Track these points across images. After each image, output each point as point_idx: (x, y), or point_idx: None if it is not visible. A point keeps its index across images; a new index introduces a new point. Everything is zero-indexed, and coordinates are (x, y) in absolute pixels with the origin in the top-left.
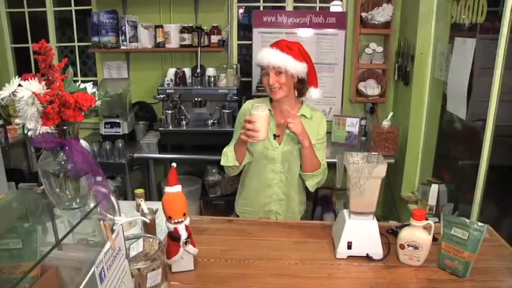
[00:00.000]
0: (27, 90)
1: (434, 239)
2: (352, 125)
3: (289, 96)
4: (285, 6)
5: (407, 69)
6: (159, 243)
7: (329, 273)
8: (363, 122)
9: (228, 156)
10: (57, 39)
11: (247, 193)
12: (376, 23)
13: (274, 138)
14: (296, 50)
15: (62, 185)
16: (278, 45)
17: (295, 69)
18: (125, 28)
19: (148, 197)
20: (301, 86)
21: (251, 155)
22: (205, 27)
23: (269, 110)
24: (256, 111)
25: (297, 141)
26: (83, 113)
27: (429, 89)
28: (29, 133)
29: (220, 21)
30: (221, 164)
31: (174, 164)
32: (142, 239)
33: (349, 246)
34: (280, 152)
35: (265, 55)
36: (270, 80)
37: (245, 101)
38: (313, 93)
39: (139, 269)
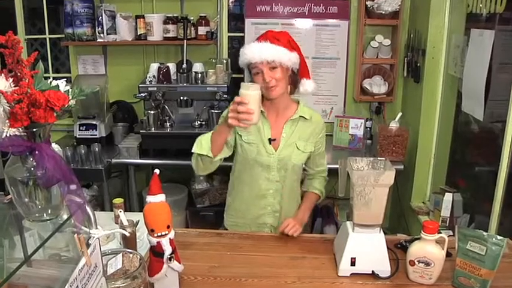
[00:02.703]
0: None
1: (448, 255)
2: (356, 127)
3: (284, 94)
4: None
5: (418, 64)
6: (140, 259)
7: None
8: (368, 124)
9: (203, 144)
10: (26, 31)
11: (238, 204)
12: (383, 12)
13: (270, 143)
14: (285, 41)
15: (32, 194)
16: (266, 37)
17: (289, 61)
18: (101, 18)
19: (128, 208)
20: (296, 79)
21: (229, 149)
22: (191, 18)
23: (261, 111)
24: (247, 91)
25: (295, 146)
26: (55, 114)
27: (442, 87)
28: None
29: (208, 11)
30: (192, 151)
31: (156, 171)
32: (121, 254)
33: (353, 263)
34: (277, 158)
35: (256, 50)
36: (266, 76)
37: None
38: (307, 85)
39: None
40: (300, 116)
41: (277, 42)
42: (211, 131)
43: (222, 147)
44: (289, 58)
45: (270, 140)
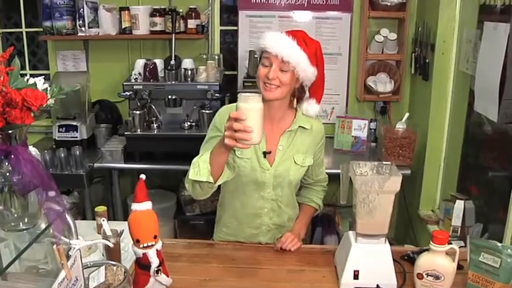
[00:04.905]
0: None
1: (460, 267)
2: (360, 128)
3: (283, 101)
4: None
5: (427, 60)
6: (124, 272)
7: None
8: (373, 125)
9: (201, 168)
10: (0, 24)
11: (229, 220)
12: (389, 4)
13: (265, 157)
14: (313, 49)
15: (7, 202)
16: (295, 35)
17: (304, 73)
18: (83, 11)
19: (111, 216)
20: (303, 94)
21: (232, 171)
22: (180, 10)
23: None
24: (245, 104)
25: (293, 160)
26: (32, 114)
27: (453, 85)
28: None
29: (199, 3)
30: (189, 177)
31: (142, 176)
32: (104, 267)
33: (356, 276)
34: (272, 174)
35: (277, 41)
36: (271, 73)
37: (229, 100)
38: (312, 108)
39: None
40: (299, 127)
41: (303, 46)
42: (209, 151)
43: (222, 169)
44: (305, 69)
45: (264, 154)
